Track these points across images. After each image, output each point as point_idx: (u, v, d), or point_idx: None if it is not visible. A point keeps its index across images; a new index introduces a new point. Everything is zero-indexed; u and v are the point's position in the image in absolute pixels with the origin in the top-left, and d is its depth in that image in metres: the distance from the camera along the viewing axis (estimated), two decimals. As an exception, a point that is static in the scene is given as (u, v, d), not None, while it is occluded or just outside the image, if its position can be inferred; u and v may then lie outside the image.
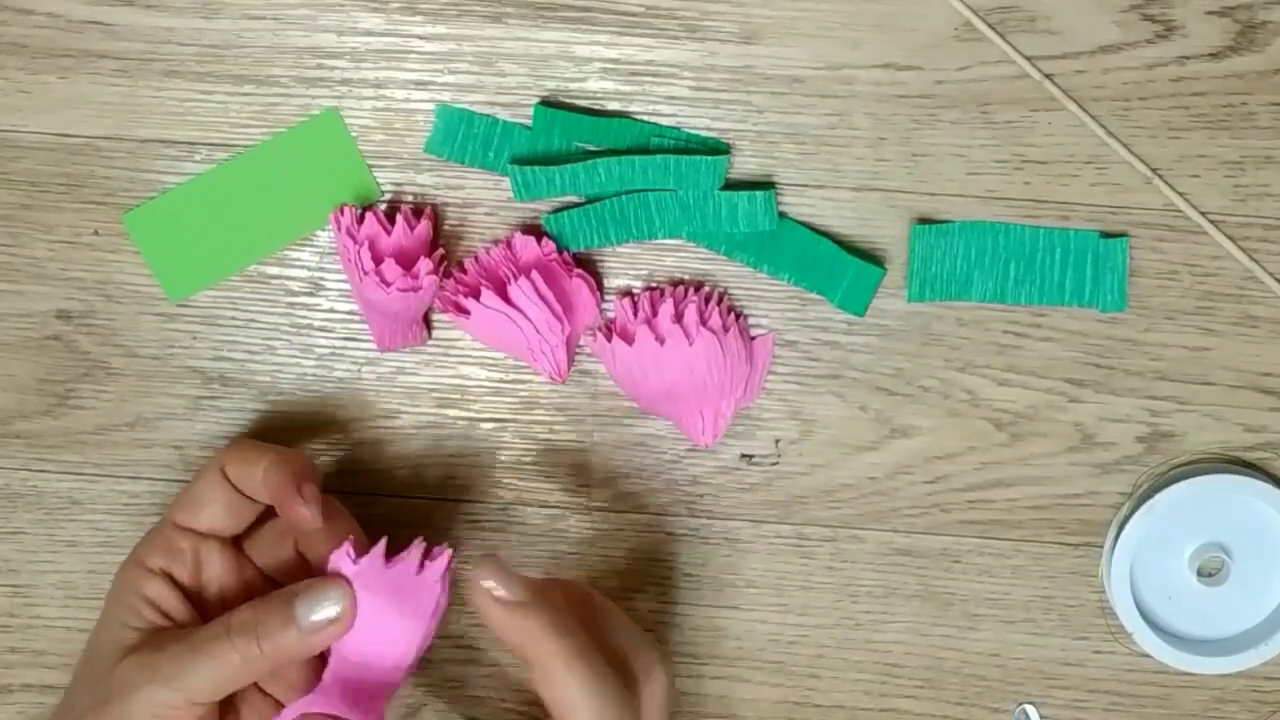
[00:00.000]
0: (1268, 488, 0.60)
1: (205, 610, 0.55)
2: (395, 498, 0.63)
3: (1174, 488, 0.60)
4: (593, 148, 0.60)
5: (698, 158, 0.59)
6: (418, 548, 0.53)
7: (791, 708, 0.63)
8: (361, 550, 0.53)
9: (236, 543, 0.57)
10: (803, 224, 0.60)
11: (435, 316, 0.62)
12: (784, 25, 0.60)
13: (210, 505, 0.56)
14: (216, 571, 0.56)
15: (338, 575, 0.53)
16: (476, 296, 0.58)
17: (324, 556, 0.53)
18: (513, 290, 0.58)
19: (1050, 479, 0.62)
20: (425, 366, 0.62)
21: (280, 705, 0.55)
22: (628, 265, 0.61)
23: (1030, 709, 0.61)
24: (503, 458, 0.62)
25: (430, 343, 0.62)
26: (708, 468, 0.62)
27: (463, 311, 0.58)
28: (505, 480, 0.63)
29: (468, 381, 0.62)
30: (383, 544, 0.53)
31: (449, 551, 0.53)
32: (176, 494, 0.57)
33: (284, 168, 0.61)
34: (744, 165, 0.61)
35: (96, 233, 0.62)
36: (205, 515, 0.56)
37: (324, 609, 0.52)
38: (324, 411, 0.62)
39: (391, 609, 0.52)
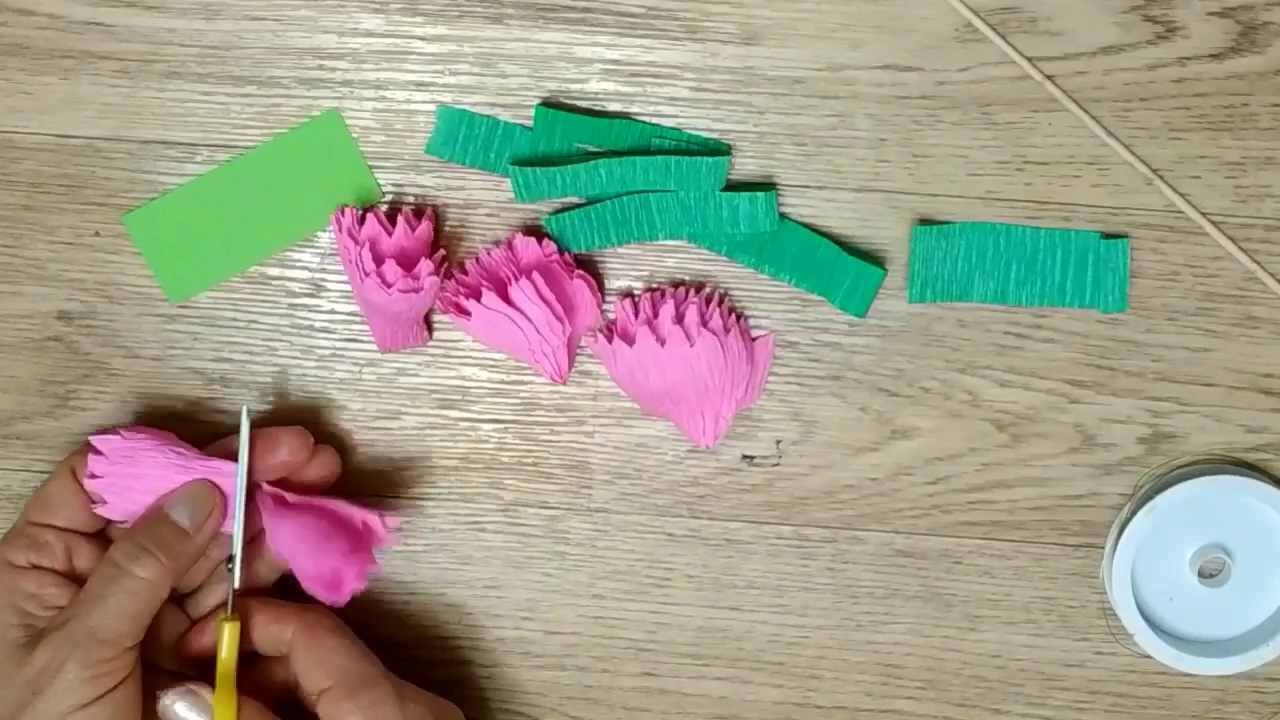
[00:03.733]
0: (1269, 489, 0.60)
1: None
2: (396, 499, 0.63)
3: (1175, 489, 0.60)
4: (594, 149, 0.60)
5: (698, 159, 0.59)
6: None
7: (792, 709, 0.63)
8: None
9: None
10: (804, 225, 0.60)
11: (436, 317, 0.62)
12: (785, 26, 0.60)
13: (65, 506, 0.57)
14: (89, 561, 0.56)
15: (204, 481, 0.57)
16: (477, 298, 0.58)
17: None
18: (514, 291, 0.58)
19: (1051, 480, 0.62)
20: (426, 367, 0.62)
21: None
22: (629, 266, 0.61)
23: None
24: (504, 458, 0.62)
25: (431, 344, 0.62)
26: (708, 469, 0.62)
27: (464, 313, 0.58)
28: (506, 481, 0.63)
29: (469, 382, 0.62)
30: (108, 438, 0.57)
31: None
32: (31, 495, 0.59)
33: (285, 169, 0.61)
34: (745, 166, 0.61)
35: (97, 234, 0.62)
36: (61, 516, 0.57)
37: (201, 506, 0.56)
38: (325, 413, 0.62)
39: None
